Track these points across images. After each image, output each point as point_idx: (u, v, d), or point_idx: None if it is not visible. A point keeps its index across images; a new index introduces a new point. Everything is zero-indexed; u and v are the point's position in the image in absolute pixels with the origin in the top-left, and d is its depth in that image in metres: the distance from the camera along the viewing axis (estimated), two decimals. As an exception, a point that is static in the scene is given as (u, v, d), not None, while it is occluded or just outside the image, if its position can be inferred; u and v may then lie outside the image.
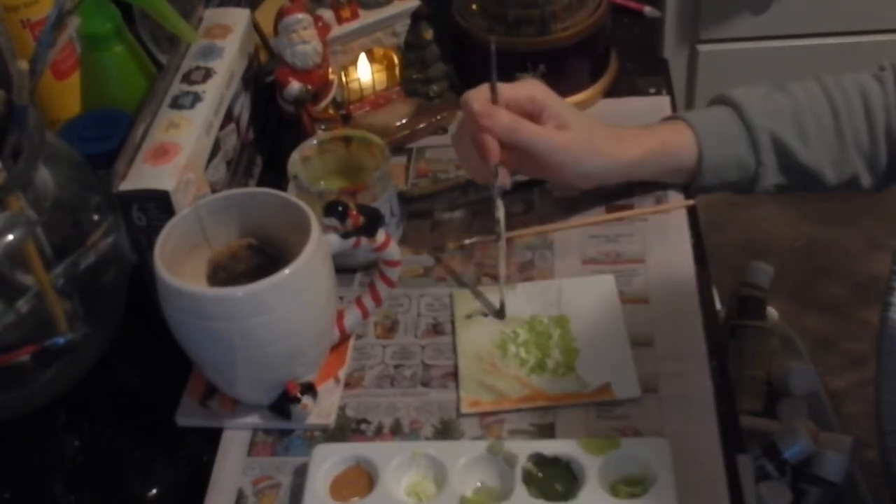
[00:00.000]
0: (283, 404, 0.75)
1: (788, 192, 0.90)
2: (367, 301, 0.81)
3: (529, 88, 0.85)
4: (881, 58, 0.90)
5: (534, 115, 0.84)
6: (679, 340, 0.80)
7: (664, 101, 1.03)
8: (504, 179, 0.84)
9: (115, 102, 0.92)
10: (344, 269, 0.86)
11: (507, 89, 0.84)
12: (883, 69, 0.90)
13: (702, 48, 1.70)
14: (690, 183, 0.90)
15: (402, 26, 0.99)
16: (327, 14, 0.95)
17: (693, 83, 1.75)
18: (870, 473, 1.09)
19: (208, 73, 0.87)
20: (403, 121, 1.01)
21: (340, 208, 0.75)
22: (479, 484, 0.71)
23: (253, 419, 0.77)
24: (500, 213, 0.84)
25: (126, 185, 0.77)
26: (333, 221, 0.75)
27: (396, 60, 1.02)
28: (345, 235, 0.75)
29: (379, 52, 1.01)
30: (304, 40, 0.91)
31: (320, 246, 0.72)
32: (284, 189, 0.83)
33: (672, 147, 0.87)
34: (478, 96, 0.82)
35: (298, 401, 0.75)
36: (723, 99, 0.90)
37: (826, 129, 0.87)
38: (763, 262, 1.24)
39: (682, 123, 0.88)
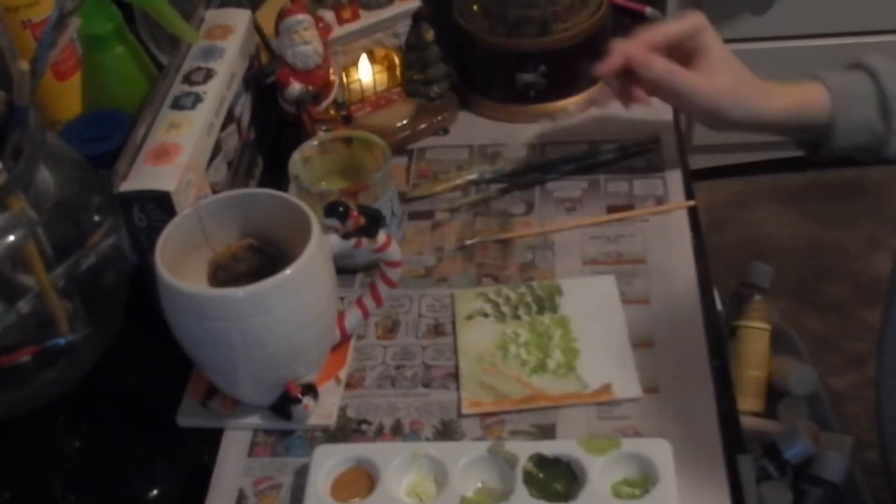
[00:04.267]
0: (283, 405, 0.75)
1: None
2: (368, 301, 0.81)
3: (693, 23, 0.87)
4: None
5: (690, 52, 0.87)
6: (679, 340, 0.80)
7: (665, 101, 1.03)
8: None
9: (115, 103, 0.92)
10: (345, 269, 0.86)
11: (668, 29, 0.88)
12: None
13: (702, 48, 1.70)
14: (816, 145, 0.90)
15: (403, 27, 0.99)
16: (328, 15, 0.95)
17: (693, 83, 1.75)
18: (870, 473, 1.10)
19: (209, 74, 0.87)
20: (404, 121, 1.01)
21: (341, 209, 0.75)
22: (479, 484, 0.71)
23: (254, 420, 0.77)
24: None
25: (127, 186, 0.77)
26: (334, 222, 0.75)
27: (397, 61, 1.02)
28: (345, 236, 0.75)
29: (380, 52, 1.01)
30: (305, 41, 0.91)
31: (321, 246, 0.72)
32: (285, 189, 0.83)
33: (810, 104, 0.88)
34: (636, 41, 0.87)
35: (299, 401, 0.75)
36: (859, 64, 0.90)
37: None
38: (763, 262, 1.24)
39: (817, 83, 0.88)
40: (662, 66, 0.86)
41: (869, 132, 0.88)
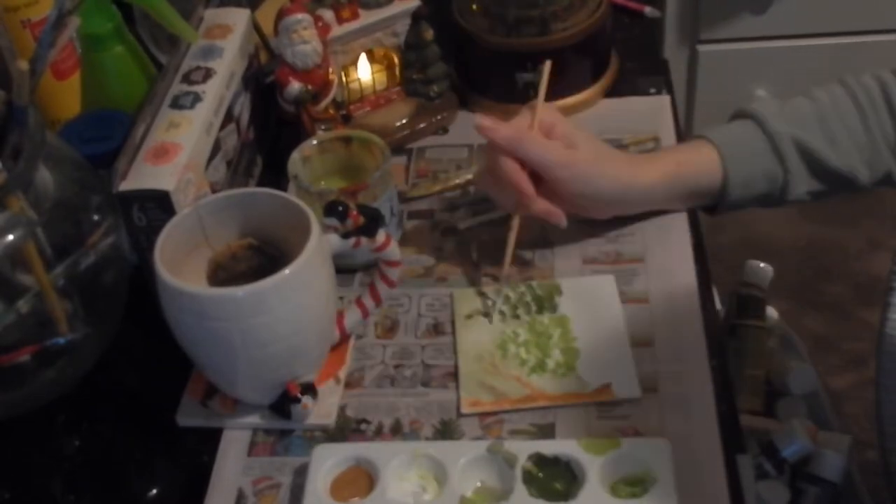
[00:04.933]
0: (283, 404, 0.75)
1: (825, 199, 0.88)
2: (368, 301, 0.81)
3: (551, 117, 0.84)
4: (881, 58, 0.89)
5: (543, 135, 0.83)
6: (679, 340, 0.80)
7: (664, 100, 1.03)
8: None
9: (115, 102, 0.92)
10: (344, 269, 0.86)
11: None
12: None
13: (702, 48, 1.70)
14: (717, 203, 0.87)
15: (403, 26, 0.99)
16: (327, 14, 0.95)
17: (693, 83, 1.75)
18: (870, 473, 1.10)
19: (208, 73, 0.87)
20: (403, 121, 1.01)
21: (340, 208, 0.75)
22: (479, 484, 0.71)
23: (253, 419, 0.77)
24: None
25: (126, 185, 0.77)
26: (333, 221, 0.75)
27: (397, 60, 1.02)
28: (345, 235, 0.75)
29: (379, 52, 1.01)
30: (304, 40, 0.91)
31: (320, 246, 0.73)
32: (284, 189, 0.83)
33: (689, 166, 0.85)
34: (484, 117, 0.83)
35: (299, 401, 0.75)
36: (740, 113, 0.88)
37: (854, 128, 0.85)
38: (763, 262, 1.24)
39: (703, 141, 0.86)
40: (510, 130, 0.82)
41: (767, 178, 0.85)
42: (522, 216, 0.85)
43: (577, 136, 0.84)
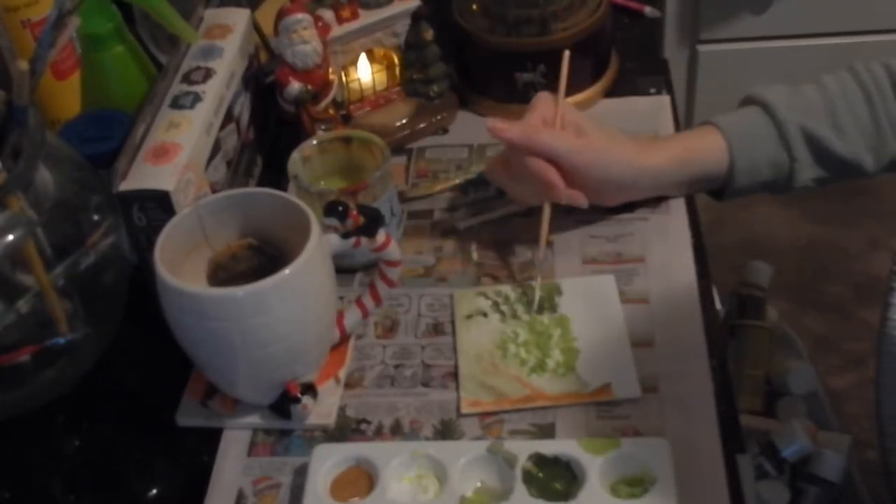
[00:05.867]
0: (283, 404, 0.75)
1: (829, 185, 0.89)
2: (368, 301, 0.81)
3: (543, 104, 0.87)
4: (881, 58, 0.89)
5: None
6: (679, 340, 0.80)
7: (664, 100, 1.03)
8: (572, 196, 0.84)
9: (115, 102, 0.92)
10: (344, 269, 0.86)
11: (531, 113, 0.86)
12: None
13: (702, 48, 1.70)
14: (724, 189, 0.89)
15: (403, 26, 0.99)
16: (327, 14, 0.95)
17: (693, 83, 1.75)
18: (870, 474, 1.10)
19: (208, 73, 0.87)
20: (403, 121, 1.01)
21: (340, 208, 0.75)
22: (479, 484, 0.71)
23: (253, 419, 0.77)
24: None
25: (126, 185, 0.77)
26: (333, 221, 0.75)
27: (397, 60, 1.02)
28: (345, 235, 0.75)
29: (379, 52, 1.01)
30: (304, 40, 0.91)
31: (320, 246, 0.73)
32: (284, 189, 0.83)
33: (697, 152, 0.87)
34: (496, 119, 0.86)
35: (299, 401, 0.75)
36: (750, 99, 0.89)
37: (860, 115, 0.86)
38: (763, 262, 1.24)
39: (710, 127, 0.87)
40: (519, 127, 0.84)
41: (773, 166, 0.86)
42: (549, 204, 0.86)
43: (586, 123, 0.86)
